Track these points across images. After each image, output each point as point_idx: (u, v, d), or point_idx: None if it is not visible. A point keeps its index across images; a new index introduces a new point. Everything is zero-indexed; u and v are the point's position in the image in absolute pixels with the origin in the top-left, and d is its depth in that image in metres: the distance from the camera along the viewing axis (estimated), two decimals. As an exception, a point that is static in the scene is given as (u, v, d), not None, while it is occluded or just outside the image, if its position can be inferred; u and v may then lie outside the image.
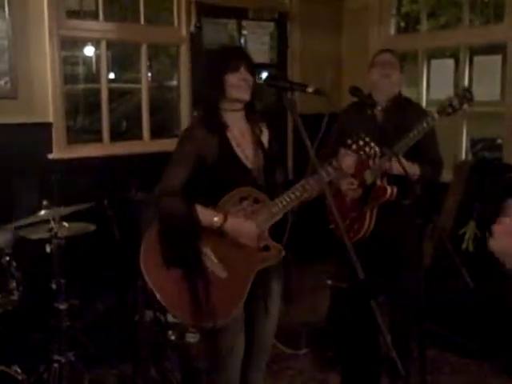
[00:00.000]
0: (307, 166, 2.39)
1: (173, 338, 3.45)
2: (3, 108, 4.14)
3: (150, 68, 5.17)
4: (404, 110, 3.27)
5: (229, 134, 2.45)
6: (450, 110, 3.01)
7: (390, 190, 3.13)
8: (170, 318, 3.48)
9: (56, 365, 3.22)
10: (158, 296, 2.35)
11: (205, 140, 2.38)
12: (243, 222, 2.36)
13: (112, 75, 6.08)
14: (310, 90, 2.33)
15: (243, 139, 2.49)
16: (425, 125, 3.02)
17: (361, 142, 2.40)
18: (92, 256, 4.17)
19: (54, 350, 3.27)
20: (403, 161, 2.95)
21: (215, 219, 2.32)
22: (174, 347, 3.49)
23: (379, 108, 3.19)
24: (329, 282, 3.74)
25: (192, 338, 3.93)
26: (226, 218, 2.33)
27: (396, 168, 3.02)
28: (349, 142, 2.42)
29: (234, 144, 2.45)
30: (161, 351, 3.48)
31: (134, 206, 4.26)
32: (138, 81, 5.16)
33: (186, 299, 2.32)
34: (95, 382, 3.46)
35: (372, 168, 3.16)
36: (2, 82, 4.14)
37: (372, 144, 2.40)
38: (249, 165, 2.46)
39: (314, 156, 2.26)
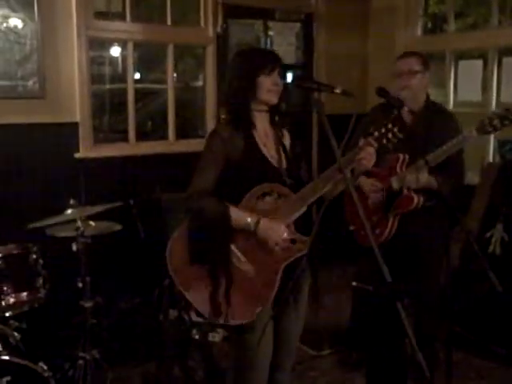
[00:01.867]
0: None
1: (197, 337, 3.47)
2: (31, 108, 4.20)
3: (175, 68, 5.18)
4: (434, 116, 3.21)
5: (255, 134, 2.47)
6: (489, 129, 2.93)
7: (417, 200, 3.09)
8: (194, 317, 3.50)
9: (81, 362, 3.25)
10: (184, 292, 2.40)
11: (230, 139, 2.40)
12: (275, 224, 2.36)
13: (138, 75, 6.11)
14: (337, 90, 2.32)
15: (268, 140, 2.52)
16: (461, 139, 2.96)
17: (383, 130, 2.37)
18: (117, 255, 4.19)
19: (79, 347, 3.30)
20: (428, 177, 2.96)
21: (248, 220, 2.34)
22: (198, 346, 3.51)
23: (406, 109, 3.16)
24: (354, 283, 3.71)
25: (215, 337, 3.95)
26: (258, 221, 2.34)
27: (422, 181, 3.01)
28: (371, 129, 2.40)
29: (260, 143, 2.47)
30: (185, 350, 3.49)
31: (159, 205, 4.29)
32: (163, 81, 5.19)
33: (208, 295, 2.36)
34: (119, 380, 3.49)
35: (399, 175, 3.13)
36: (31, 82, 4.19)
37: (395, 129, 2.35)
38: (275, 164, 2.47)
39: (340, 157, 2.25)
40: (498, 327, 3.83)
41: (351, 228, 3.40)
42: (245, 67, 2.47)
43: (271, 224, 2.35)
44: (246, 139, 2.44)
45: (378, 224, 3.19)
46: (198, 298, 2.39)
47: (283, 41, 5.54)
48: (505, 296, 2.65)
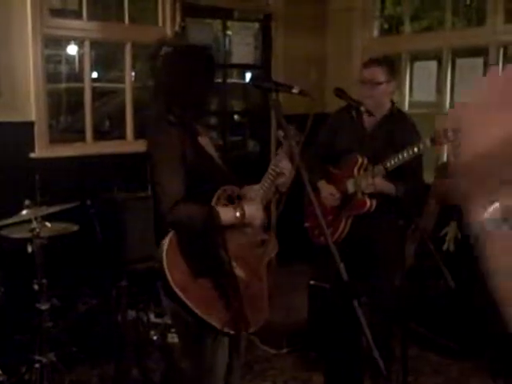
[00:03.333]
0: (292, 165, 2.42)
1: (155, 337, 3.45)
2: (-15, 106, 4.11)
3: (133, 68, 5.13)
4: (396, 123, 3.24)
5: (199, 136, 2.46)
6: (443, 141, 2.99)
7: (369, 204, 3.14)
8: (152, 318, 3.49)
9: (37, 365, 3.19)
10: (198, 312, 2.26)
11: (181, 139, 2.32)
12: (254, 204, 2.38)
13: (95, 74, 6.03)
14: (295, 90, 2.33)
15: (205, 140, 2.51)
16: (416, 150, 2.98)
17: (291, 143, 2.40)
18: (74, 256, 4.13)
19: (35, 350, 3.24)
20: (383, 183, 3.02)
21: (237, 214, 2.31)
22: (157, 347, 3.48)
23: (362, 109, 3.20)
24: (312, 282, 3.74)
25: (174, 337, 3.93)
26: (243, 209, 2.33)
27: (377, 186, 3.06)
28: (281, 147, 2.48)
29: (203, 144, 2.45)
30: (143, 351, 3.46)
31: (117, 205, 4.25)
32: (121, 80, 5.14)
33: (222, 308, 2.29)
34: (77, 383, 3.44)
35: (356, 177, 3.16)
36: (-16, 81, 4.10)
37: (290, 127, 2.40)
38: (220, 164, 2.49)
39: (298, 156, 2.27)
40: (452, 323, 3.92)
41: (306, 225, 3.43)
42: (207, 69, 2.44)
43: (252, 206, 2.37)
44: (193, 140, 2.38)
45: (332, 224, 3.24)
46: (212, 312, 2.28)
47: (241, 40, 5.55)
48: (458, 292, 2.71)
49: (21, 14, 4.24)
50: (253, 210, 2.36)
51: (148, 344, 3.48)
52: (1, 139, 4.13)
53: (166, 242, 2.27)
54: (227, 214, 2.30)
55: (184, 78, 2.39)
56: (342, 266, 2.05)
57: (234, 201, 2.39)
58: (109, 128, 6.10)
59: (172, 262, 2.26)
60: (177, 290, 2.23)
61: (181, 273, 2.26)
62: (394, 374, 3.20)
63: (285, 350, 4.00)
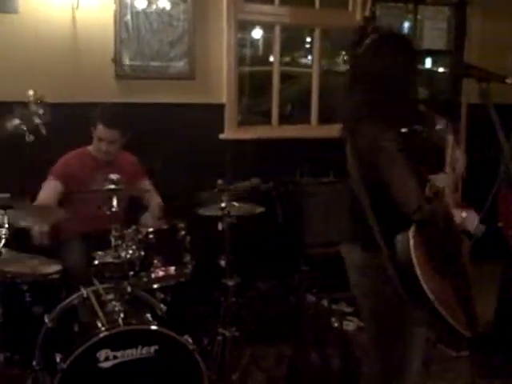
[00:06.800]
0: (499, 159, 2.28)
1: (336, 324, 3.44)
2: (182, 88, 4.34)
3: (312, 52, 5.11)
4: None
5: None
6: None
7: None
8: (332, 305, 3.49)
9: (220, 338, 3.32)
10: (441, 310, 2.15)
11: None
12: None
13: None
14: (508, 81, 2.17)
15: None
16: None
17: None
18: (255, 236, 4.22)
19: (218, 323, 3.36)
20: None
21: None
22: (336, 334, 3.47)
23: None
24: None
25: (349, 325, 3.91)
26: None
27: None
28: None
29: None
30: (322, 336, 3.47)
31: (300, 190, 4.29)
32: (301, 64, 5.18)
33: (457, 309, 2.23)
34: (254, 359, 3.52)
35: None
36: (182, 63, 4.32)
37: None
38: None
39: (508, 150, 2.12)
40: None
41: (499, 225, 3.23)
42: (410, 55, 2.37)
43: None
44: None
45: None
46: (449, 311, 2.17)
47: (433, 25, 5.32)
48: None
49: (217, 0, 4.39)
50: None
51: (328, 330, 3.49)
52: (194, 120, 4.33)
53: (410, 236, 2.15)
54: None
55: (392, 65, 2.31)
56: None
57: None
58: (291, 112, 6.17)
59: (418, 256, 2.14)
60: (424, 285, 2.10)
61: (426, 269, 2.14)
62: None
63: (466, 353, 3.80)
